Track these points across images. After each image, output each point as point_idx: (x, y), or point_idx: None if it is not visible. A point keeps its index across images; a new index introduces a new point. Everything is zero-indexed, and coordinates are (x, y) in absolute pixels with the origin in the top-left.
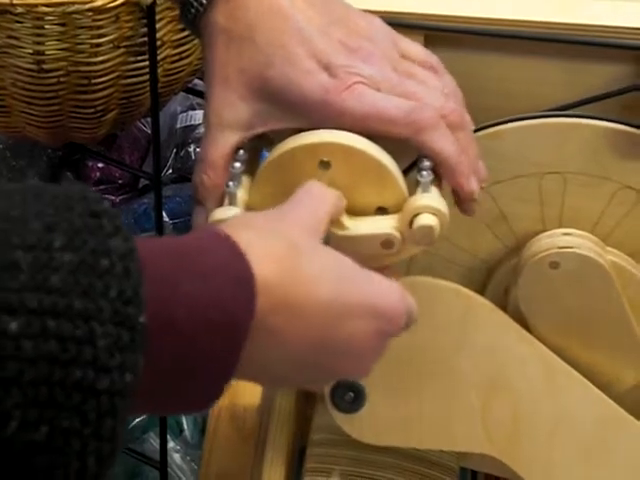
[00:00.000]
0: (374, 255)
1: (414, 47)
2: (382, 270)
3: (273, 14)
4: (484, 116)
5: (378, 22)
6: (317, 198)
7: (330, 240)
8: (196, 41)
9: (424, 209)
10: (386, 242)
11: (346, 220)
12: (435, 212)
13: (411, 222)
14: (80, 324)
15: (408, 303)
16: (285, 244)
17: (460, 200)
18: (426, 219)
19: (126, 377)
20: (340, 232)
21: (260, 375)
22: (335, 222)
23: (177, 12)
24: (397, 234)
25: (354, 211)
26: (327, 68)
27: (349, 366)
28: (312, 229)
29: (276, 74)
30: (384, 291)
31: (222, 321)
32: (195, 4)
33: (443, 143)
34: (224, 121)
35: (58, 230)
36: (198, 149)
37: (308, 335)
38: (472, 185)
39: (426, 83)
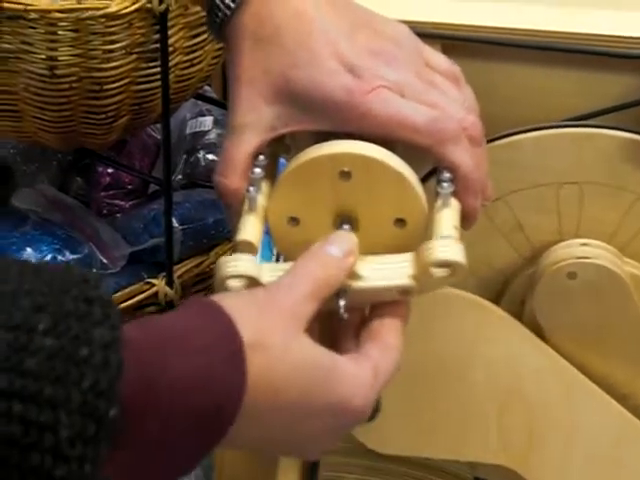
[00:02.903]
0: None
1: (437, 57)
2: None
3: (299, 17)
4: (500, 125)
5: (403, 28)
6: (310, 277)
7: (346, 294)
8: (207, 48)
9: (443, 263)
10: (403, 291)
11: (360, 267)
12: (453, 264)
13: (427, 270)
14: (46, 411)
15: (380, 383)
16: (255, 346)
17: (462, 215)
18: (442, 272)
19: (85, 468)
20: (355, 284)
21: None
22: (350, 273)
23: (189, 19)
24: (414, 283)
25: (373, 222)
26: (352, 70)
27: (304, 452)
28: (293, 320)
29: (300, 74)
30: (352, 392)
31: (210, 404)
32: (222, 8)
33: (464, 157)
34: (247, 123)
35: (45, 312)
36: (207, 155)
37: (268, 432)
38: (477, 204)
39: (448, 94)
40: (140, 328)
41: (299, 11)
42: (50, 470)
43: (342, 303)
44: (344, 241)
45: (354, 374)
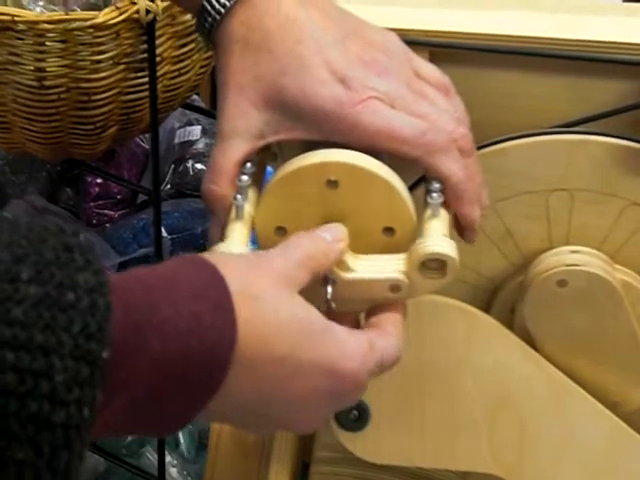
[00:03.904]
0: (384, 298)
1: (428, 67)
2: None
3: (290, 24)
4: (489, 133)
5: (393, 37)
6: (302, 248)
7: (335, 283)
8: (195, 57)
9: (435, 257)
10: (394, 287)
11: (351, 260)
12: (446, 259)
13: (420, 266)
14: (39, 357)
15: (375, 357)
16: (245, 295)
17: (460, 227)
18: (434, 271)
19: (84, 412)
20: (345, 275)
21: (212, 415)
22: (340, 263)
23: (177, 29)
24: (405, 279)
25: (361, 231)
26: (342, 80)
27: (298, 421)
28: (285, 280)
29: (290, 83)
30: (345, 354)
31: (199, 349)
32: (212, 13)
33: (454, 168)
34: (236, 129)
35: (27, 262)
36: (196, 164)
37: (260, 388)
38: (475, 214)
39: (438, 105)
40: (125, 276)
41: (290, 18)
42: (49, 416)
43: (329, 289)
44: (335, 229)
45: (347, 339)
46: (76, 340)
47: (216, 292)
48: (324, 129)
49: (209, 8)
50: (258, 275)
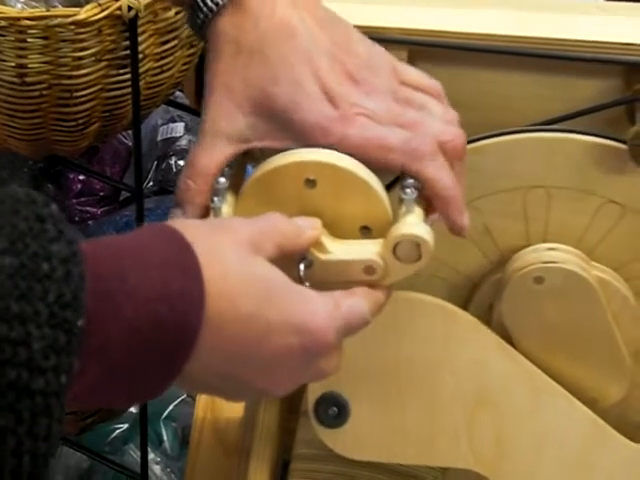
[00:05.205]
0: (359, 281)
1: (413, 73)
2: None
3: (284, 30)
4: (468, 131)
5: (378, 49)
6: (270, 221)
7: (313, 264)
8: (178, 54)
9: (408, 237)
10: (368, 268)
11: (329, 243)
12: (419, 241)
13: (394, 248)
14: (16, 326)
15: (342, 315)
16: (209, 256)
17: (450, 230)
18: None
19: (61, 378)
20: (322, 256)
21: (188, 383)
22: (317, 245)
23: (159, 25)
24: (380, 260)
25: (338, 229)
26: (331, 98)
27: (273, 382)
28: (248, 244)
29: (281, 92)
30: (310, 309)
31: (170, 314)
32: (205, 9)
33: (440, 173)
34: (221, 130)
35: (0, 233)
36: (179, 161)
37: (227, 348)
38: (463, 221)
39: (426, 108)
40: (94, 245)
41: (284, 23)
42: (28, 383)
43: (302, 267)
44: (310, 219)
45: (313, 297)
46: (52, 309)
47: (183, 258)
48: (311, 141)
49: (201, 4)
50: (221, 237)
